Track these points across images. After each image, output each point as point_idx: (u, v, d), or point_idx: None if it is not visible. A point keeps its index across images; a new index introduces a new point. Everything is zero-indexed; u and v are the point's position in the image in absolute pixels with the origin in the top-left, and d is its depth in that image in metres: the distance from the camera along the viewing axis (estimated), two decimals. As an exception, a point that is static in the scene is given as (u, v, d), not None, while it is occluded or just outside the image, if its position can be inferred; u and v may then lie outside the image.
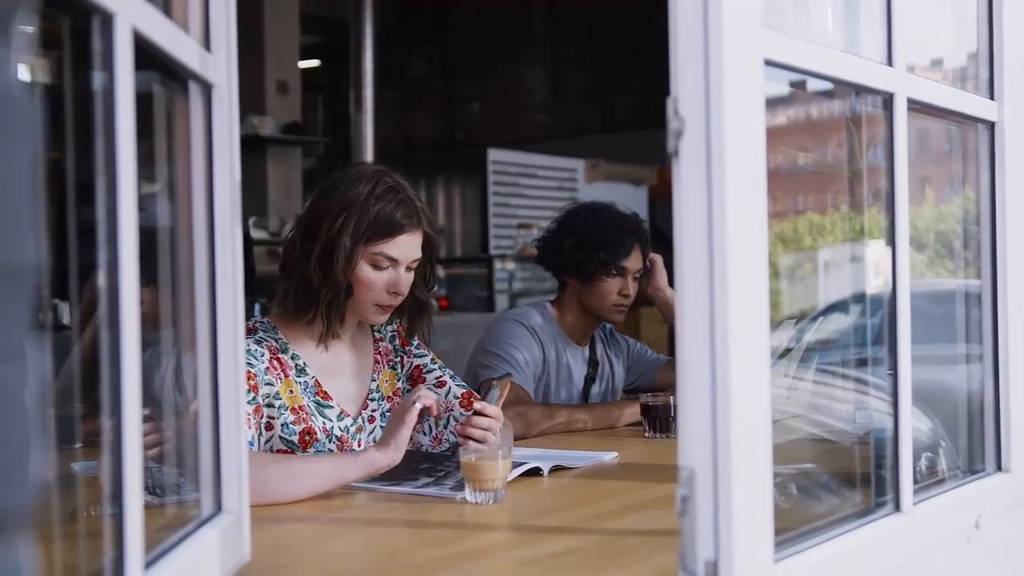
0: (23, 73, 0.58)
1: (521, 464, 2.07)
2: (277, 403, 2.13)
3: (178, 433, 1.43)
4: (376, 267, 2.17)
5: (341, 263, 2.13)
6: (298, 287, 2.17)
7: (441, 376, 2.37)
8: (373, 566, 1.55)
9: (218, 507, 1.36)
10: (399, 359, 2.38)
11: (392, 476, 1.99)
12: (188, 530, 1.27)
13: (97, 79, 0.99)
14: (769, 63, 1.23)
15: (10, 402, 0.54)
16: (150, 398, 1.07)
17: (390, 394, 2.33)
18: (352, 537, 1.71)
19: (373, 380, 2.32)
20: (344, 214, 2.13)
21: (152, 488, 1.28)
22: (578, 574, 1.47)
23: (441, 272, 7.95)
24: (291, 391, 2.16)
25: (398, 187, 2.18)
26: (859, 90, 1.54)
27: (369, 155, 8.49)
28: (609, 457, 2.33)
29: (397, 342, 2.39)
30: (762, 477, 1.20)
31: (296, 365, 2.19)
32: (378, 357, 2.35)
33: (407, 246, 2.18)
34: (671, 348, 5.39)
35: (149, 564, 1.08)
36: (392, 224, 2.15)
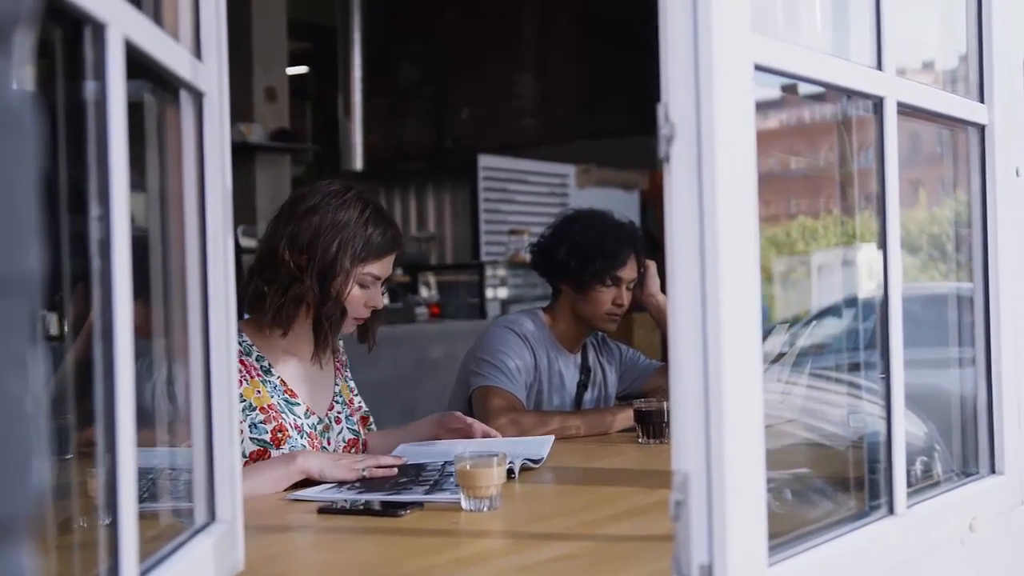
0: (24, 83, 0.58)
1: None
2: (241, 404, 2.17)
3: (171, 443, 1.42)
4: (362, 286, 2.27)
5: (339, 284, 2.22)
6: (291, 303, 2.23)
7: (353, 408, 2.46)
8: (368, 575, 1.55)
9: (212, 516, 1.36)
10: (348, 372, 2.50)
11: (388, 489, 1.98)
12: (182, 539, 1.27)
13: (89, 88, 0.98)
14: (759, 68, 1.23)
15: (13, 409, 0.54)
16: (142, 408, 1.07)
17: (348, 400, 2.44)
18: (346, 546, 1.71)
19: (336, 385, 2.42)
20: (339, 237, 2.22)
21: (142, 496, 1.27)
22: (573, 580, 1.47)
23: (432, 279, 7.95)
24: (258, 391, 2.23)
25: (382, 210, 2.31)
26: (849, 94, 1.54)
27: (359, 162, 8.46)
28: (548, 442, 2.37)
29: (345, 358, 2.50)
30: (756, 481, 1.20)
31: (262, 366, 2.26)
32: (338, 365, 2.46)
33: (390, 265, 2.32)
34: (664, 354, 5.38)
35: (143, 573, 1.08)
36: (384, 247, 2.28)
